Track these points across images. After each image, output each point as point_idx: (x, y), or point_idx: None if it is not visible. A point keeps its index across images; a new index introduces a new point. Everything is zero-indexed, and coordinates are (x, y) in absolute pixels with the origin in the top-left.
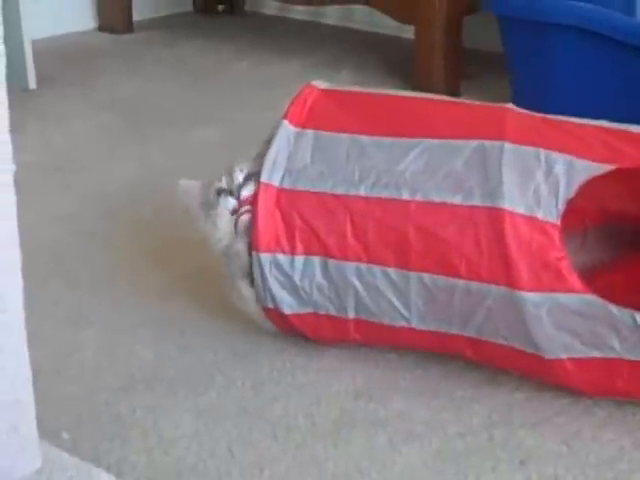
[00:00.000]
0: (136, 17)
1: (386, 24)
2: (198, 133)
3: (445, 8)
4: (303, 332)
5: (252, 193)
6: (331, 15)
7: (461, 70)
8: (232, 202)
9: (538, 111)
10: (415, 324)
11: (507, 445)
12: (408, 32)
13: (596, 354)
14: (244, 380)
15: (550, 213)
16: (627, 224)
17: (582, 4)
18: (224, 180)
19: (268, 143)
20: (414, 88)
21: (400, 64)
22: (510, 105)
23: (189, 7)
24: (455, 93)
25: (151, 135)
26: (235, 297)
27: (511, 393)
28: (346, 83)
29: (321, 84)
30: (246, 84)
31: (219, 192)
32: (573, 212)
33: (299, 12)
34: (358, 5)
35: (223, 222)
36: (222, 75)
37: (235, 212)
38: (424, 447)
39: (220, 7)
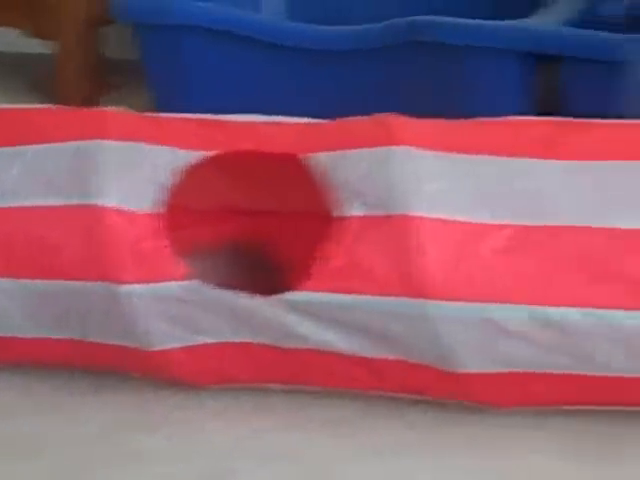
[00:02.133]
0: None
1: (32, 42)
2: None
3: (77, 21)
4: None
5: None
6: None
7: (102, 82)
8: None
9: (179, 112)
10: (24, 334)
11: (122, 448)
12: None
13: (206, 339)
14: None
15: (148, 203)
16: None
17: (207, 4)
18: None
19: None
20: (57, 103)
21: (46, 81)
22: (111, 108)
23: None
24: (96, 105)
25: None
26: None
27: (129, 397)
28: None
29: None
30: None
31: None
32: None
33: None
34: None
35: None
36: None
37: None
38: None
39: None
